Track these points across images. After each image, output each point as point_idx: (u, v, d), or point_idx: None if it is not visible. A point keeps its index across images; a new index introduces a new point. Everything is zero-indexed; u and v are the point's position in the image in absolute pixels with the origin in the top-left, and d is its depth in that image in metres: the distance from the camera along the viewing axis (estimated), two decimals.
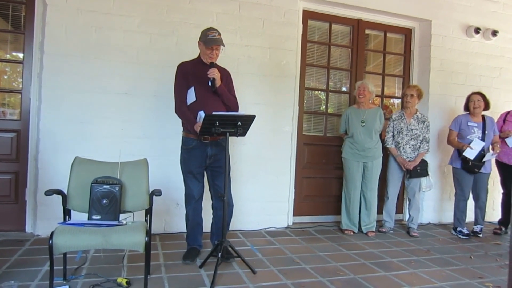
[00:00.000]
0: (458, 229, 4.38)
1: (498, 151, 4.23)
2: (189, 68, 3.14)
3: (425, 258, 3.50)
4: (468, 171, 4.28)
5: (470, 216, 4.54)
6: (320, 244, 3.80)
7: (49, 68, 3.52)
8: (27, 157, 3.64)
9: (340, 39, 4.85)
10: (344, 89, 4.93)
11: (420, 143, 4.25)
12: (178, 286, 2.64)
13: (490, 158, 4.26)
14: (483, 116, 4.34)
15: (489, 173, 4.37)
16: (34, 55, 3.61)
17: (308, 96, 4.75)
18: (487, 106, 4.33)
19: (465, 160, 4.23)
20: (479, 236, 4.35)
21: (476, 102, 4.28)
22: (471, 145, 4.20)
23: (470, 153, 4.19)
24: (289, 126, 4.33)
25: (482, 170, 4.26)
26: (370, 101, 4.28)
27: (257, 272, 2.95)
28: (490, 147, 4.28)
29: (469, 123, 4.31)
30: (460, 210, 4.40)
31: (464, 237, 4.30)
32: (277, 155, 4.27)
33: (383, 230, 4.34)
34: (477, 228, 4.42)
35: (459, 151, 4.30)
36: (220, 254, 2.83)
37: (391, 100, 5.29)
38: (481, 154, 4.17)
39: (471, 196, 4.43)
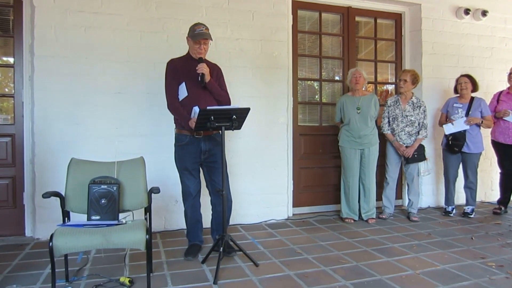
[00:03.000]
0: (444, 207, 4.60)
1: (471, 122, 4.26)
2: (178, 64, 3.12)
3: (426, 242, 3.52)
4: (449, 151, 4.42)
5: (462, 197, 4.61)
6: (321, 233, 3.81)
7: (40, 70, 3.49)
8: (23, 161, 3.62)
9: (330, 27, 4.83)
10: (337, 77, 4.92)
11: (417, 129, 4.25)
12: (181, 282, 2.63)
13: (461, 128, 4.29)
14: (471, 98, 4.38)
15: (479, 153, 4.40)
16: (25, 58, 3.58)
17: (301, 87, 4.74)
18: (475, 88, 4.38)
19: (447, 139, 4.39)
20: (470, 217, 4.38)
21: (463, 84, 4.36)
22: (453, 122, 4.33)
23: (448, 128, 4.34)
24: (284, 118, 4.32)
25: (466, 150, 4.32)
26: (364, 88, 4.28)
27: (260, 264, 2.95)
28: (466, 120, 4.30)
29: (454, 105, 4.42)
30: (445, 189, 4.60)
31: (443, 214, 4.56)
32: (273, 147, 4.27)
33: (383, 216, 4.35)
34: (468, 209, 4.46)
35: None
36: (221, 248, 2.83)
37: (384, 87, 5.28)
38: (462, 134, 4.28)
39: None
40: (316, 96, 4.85)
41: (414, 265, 2.94)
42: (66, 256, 2.57)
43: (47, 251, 2.27)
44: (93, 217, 2.54)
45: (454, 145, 4.35)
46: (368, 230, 3.90)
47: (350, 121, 4.16)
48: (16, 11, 3.58)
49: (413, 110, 4.25)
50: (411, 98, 4.30)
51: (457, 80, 4.46)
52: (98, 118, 3.65)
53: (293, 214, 4.48)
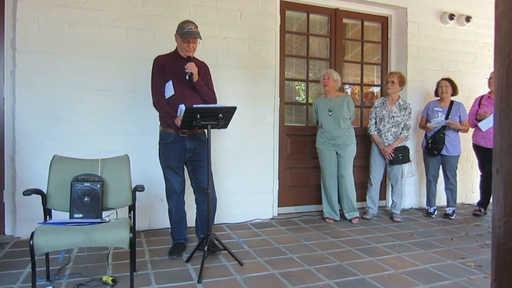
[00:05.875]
0: (426, 208, 4.68)
1: (453, 127, 4.37)
2: (165, 61, 3.09)
3: (408, 242, 3.57)
4: (428, 153, 4.52)
5: (444, 199, 4.71)
6: (306, 233, 3.83)
7: (22, 65, 3.42)
8: (3, 158, 3.53)
9: (318, 29, 4.86)
10: None
11: (401, 129, 4.32)
12: (165, 281, 2.62)
13: (437, 125, 4.42)
14: (451, 102, 4.47)
15: (457, 156, 4.50)
16: (6, 53, 3.49)
17: (288, 87, 4.76)
18: (455, 91, 4.48)
19: (427, 142, 4.50)
20: (451, 218, 4.47)
21: (444, 87, 4.46)
22: (433, 122, 4.46)
23: (436, 121, 4.46)
24: (270, 118, 4.33)
25: (445, 152, 4.42)
26: (336, 89, 4.29)
27: (244, 263, 2.95)
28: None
29: (435, 108, 4.52)
30: (427, 190, 4.68)
31: (425, 215, 4.61)
32: (259, 147, 4.27)
33: (367, 216, 4.40)
34: (449, 210, 4.55)
35: (426, 134, 4.59)
36: (206, 247, 2.82)
37: (370, 89, 5.34)
38: (442, 137, 4.39)
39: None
40: (303, 97, 4.88)
41: (396, 265, 2.98)
42: (47, 255, 2.53)
43: (27, 250, 2.22)
44: (76, 215, 2.50)
45: (433, 148, 4.44)
46: (352, 230, 3.94)
47: (323, 123, 4.20)
48: None
49: (400, 111, 4.31)
50: (398, 100, 4.36)
51: (438, 83, 4.55)
52: (82, 115, 3.59)
53: (278, 214, 4.49)
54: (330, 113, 4.16)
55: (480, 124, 4.41)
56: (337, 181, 4.27)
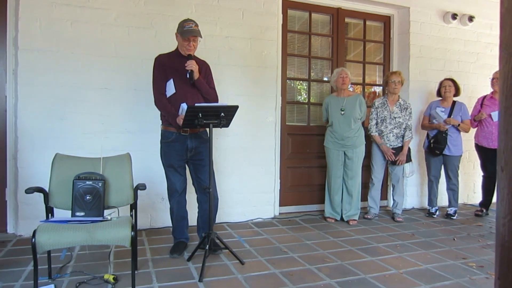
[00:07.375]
0: (428, 208, 4.67)
1: (448, 122, 4.36)
2: (166, 60, 3.09)
3: (410, 242, 3.57)
4: (431, 153, 4.51)
5: (445, 199, 4.71)
6: (307, 232, 3.82)
7: (24, 64, 3.43)
8: (5, 157, 3.54)
9: (320, 28, 4.85)
10: (325, 78, 4.94)
11: (404, 130, 4.30)
12: (166, 280, 2.62)
13: (438, 117, 4.42)
14: (453, 102, 4.47)
15: (459, 156, 4.49)
16: (8, 51, 3.50)
17: (290, 86, 4.75)
18: (457, 92, 4.46)
19: (429, 142, 4.48)
20: (452, 219, 4.45)
21: (447, 87, 4.44)
22: (435, 120, 4.46)
23: (438, 118, 4.44)
24: (272, 117, 4.33)
25: (447, 152, 4.40)
26: (351, 88, 4.30)
27: (246, 262, 2.95)
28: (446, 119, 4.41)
29: (437, 108, 4.48)
30: (429, 190, 4.67)
31: (426, 215, 4.60)
32: (261, 146, 4.27)
33: (368, 216, 4.39)
34: (450, 210, 4.54)
35: (428, 134, 4.57)
36: (207, 246, 2.82)
37: (372, 88, 5.33)
38: (444, 137, 4.38)
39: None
40: (305, 96, 4.87)
41: (398, 265, 2.98)
42: (49, 253, 2.53)
43: (29, 248, 2.22)
44: (78, 214, 2.51)
45: (435, 148, 4.42)
46: (353, 230, 3.94)
47: (334, 122, 4.18)
48: (0, 3, 3.50)
49: (401, 112, 4.30)
50: (398, 100, 4.34)
51: (441, 83, 4.53)
52: (84, 114, 3.60)
53: (280, 213, 4.48)
54: (342, 113, 4.13)
55: (493, 114, 4.38)
56: (342, 182, 4.26)
